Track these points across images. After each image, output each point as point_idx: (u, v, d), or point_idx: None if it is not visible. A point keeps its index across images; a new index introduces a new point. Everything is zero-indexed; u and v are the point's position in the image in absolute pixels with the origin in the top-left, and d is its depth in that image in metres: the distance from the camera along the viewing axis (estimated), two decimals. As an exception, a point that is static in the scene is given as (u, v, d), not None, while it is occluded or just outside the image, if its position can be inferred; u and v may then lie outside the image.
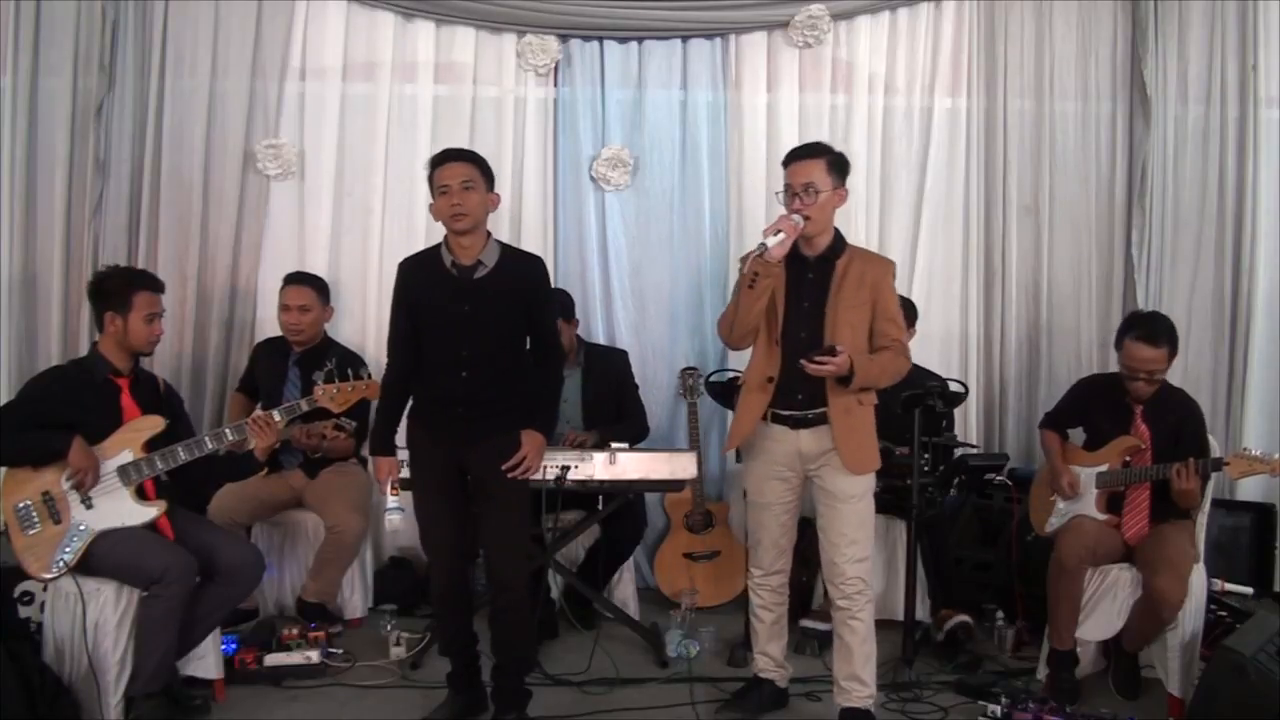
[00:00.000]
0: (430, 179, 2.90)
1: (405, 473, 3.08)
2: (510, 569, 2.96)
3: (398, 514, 2.99)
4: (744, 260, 2.86)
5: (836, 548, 2.90)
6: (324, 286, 3.98)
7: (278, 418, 3.19)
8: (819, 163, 2.88)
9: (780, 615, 3.13)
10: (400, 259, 4.26)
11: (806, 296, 2.90)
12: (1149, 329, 3.34)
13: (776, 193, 2.98)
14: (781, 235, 2.75)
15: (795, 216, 2.82)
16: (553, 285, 3.50)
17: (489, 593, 3.02)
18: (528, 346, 3.00)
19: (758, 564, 3.08)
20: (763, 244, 2.75)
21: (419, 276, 2.96)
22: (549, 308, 3.06)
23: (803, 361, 2.76)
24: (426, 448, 2.95)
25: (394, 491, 2.98)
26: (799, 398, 2.89)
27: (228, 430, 3.14)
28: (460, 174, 2.84)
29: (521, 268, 2.96)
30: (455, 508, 2.97)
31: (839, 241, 2.95)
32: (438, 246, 2.95)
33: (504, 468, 2.87)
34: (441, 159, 2.89)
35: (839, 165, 2.92)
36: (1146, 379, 3.33)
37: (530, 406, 2.98)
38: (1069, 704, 3.07)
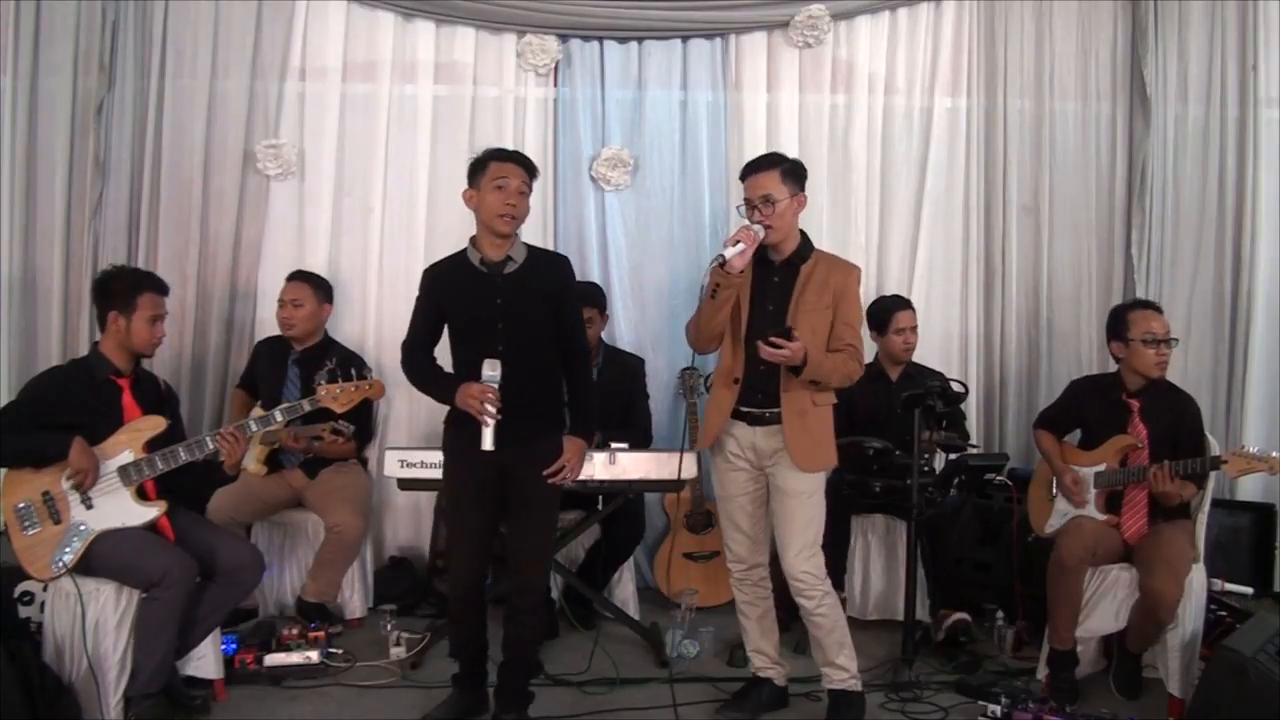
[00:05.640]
0: (482, 167, 2.86)
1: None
2: (536, 571, 2.98)
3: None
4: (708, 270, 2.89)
5: (786, 545, 2.95)
6: (322, 284, 3.97)
7: (280, 418, 3.19)
8: (773, 174, 2.91)
9: (767, 610, 3.14)
10: (400, 258, 4.36)
11: (771, 299, 2.95)
12: (1146, 301, 3.58)
13: (738, 206, 3.00)
14: (741, 246, 2.80)
15: (756, 227, 2.87)
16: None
17: (504, 589, 3.02)
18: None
19: (735, 558, 3.10)
20: (720, 255, 2.80)
21: (448, 281, 2.93)
22: (575, 307, 3.05)
23: (759, 343, 2.79)
24: (465, 452, 2.89)
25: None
26: (758, 396, 2.95)
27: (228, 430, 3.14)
28: (521, 177, 2.85)
29: (549, 266, 2.97)
30: (488, 516, 2.96)
31: (805, 246, 2.99)
32: (462, 251, 2.94)
33: (545, 474, 2.88)
34: (505, 155, 2.89)
35: (794, 172, 2.95)
36: (1166, 343, 3.34)
37: (564, 408, 2.97)
38: (1069, 704, 3.08)
